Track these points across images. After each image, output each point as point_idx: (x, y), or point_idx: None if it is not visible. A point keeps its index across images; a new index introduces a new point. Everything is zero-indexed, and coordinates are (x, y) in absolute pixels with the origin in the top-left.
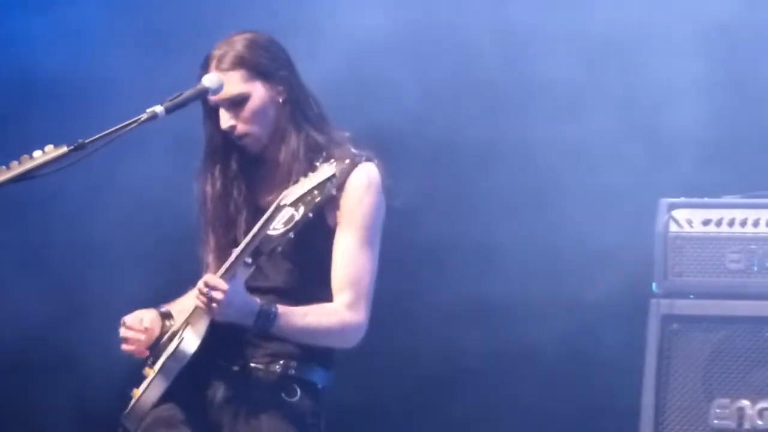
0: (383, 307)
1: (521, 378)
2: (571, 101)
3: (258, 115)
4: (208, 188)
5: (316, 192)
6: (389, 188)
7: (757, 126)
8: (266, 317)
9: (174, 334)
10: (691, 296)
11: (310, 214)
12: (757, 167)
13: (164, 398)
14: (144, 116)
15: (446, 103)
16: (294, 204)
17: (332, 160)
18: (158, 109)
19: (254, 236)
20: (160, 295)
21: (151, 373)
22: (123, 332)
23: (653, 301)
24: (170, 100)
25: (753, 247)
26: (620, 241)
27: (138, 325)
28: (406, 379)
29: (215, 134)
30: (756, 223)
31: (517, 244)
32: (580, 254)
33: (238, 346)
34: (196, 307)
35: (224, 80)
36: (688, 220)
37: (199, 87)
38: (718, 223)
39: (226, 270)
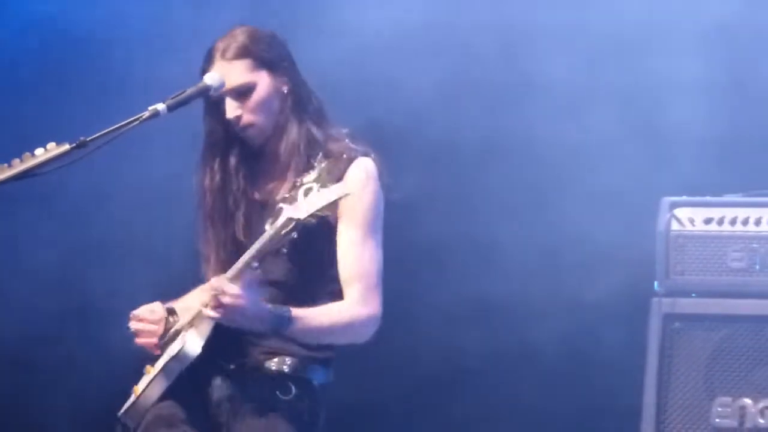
0: (383, 306)
1: (522, 378)
2: (572, 100)
3: (264, 105)
4: (207, 181)
5: (327, 212)
6: (387, 183)
7: (759, 125)
8: (279, 324)
9: (176, 333)
10: (693, 295)
11: (313, 220)
12: (758, 166)
13: (164, 396)
14: (146, 114)
15: (446, 102)
16: (309, 217)
17: (343, 179)
18: (160, 106)
19: (265, 244)
20: (161, 295)
21: (152, 371)
22: (134, 325)
23: (655, 299)
24: (172, 98)
25: (755, 245)
26: (621, 240)
27: (150, 315)
28: (406, 378)
29: (215, 128)
30: (758, 222)
31: (518, 244)
32: (581, 253)
33: (235, 345)
34: (201, 310)
35: (230, 70)
36: (689, 218)
37: (200, 85)
38: (720, 222)
39: (235, 275)
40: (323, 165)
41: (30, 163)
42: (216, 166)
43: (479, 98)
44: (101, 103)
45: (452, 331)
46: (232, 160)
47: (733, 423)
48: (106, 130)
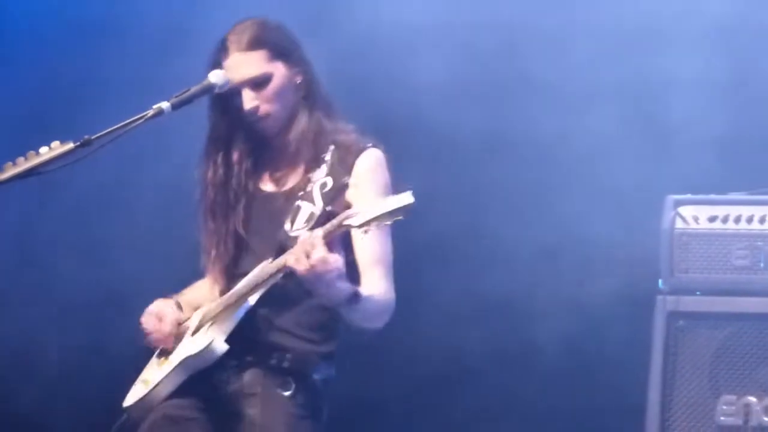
0: None
1: (524, 376)
2: (576, 99)
3: (280, 95)
4: (210, 175)
5: (387, 219)
6: (397, 176)
7: (763, 123)
8: (352, 297)
9: (186, 329)
10: (698, 293)
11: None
12: (762, 164)
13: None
14: (150, 112)
15: (447, 101)
16: (364, 225)
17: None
18: (164, 105)
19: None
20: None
21: (165, 364)
22: (147, 325)
23: (659, 297)
24: (177, 96)
25: (759, 243)
26: (625, 238)
27: (162, 322)
28: (407, 376)
29: (220, 121)
30: (762, 220)
31: (520, 242)
32: (583, 252)
33: (237, 342)
34: (226, 307)
35: (246, 61)
36: (694, 216)
37: (205, 83)
38: (725, 220)
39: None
40: (333, 157)
41: (34, 161)
42: (219, 159)
43: (481, 97)
44: (104, 102)
45: (454, 329)
46: (235, 154)
47: (737, 421)
48: (110, 129)
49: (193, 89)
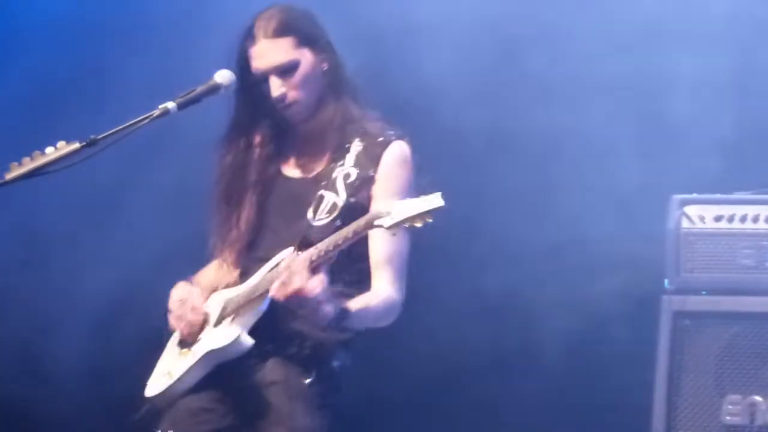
0: None
1: (529, 376)
2: (580, 98)
3: (308, 82)
4: (229, 159)
5: (417, 221)
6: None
7: None
8: (339, 319)
9: (207, 317)
10: (703, 292)
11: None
12: None
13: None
14: (156, 112)
15: (448, 101)
16: (392, 228)
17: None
18: (170, 105)
19: (342, 240)
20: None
21: (189, 355)
22: (177, 312)
23: (665, 297)
24: (183, 96)
25: (765, 243)
26: (630, 237)
27: (190, 309)
28: (410, 375)
29: (245, 108)
30: None
31: (523, 242)
32: (587, 251)
33: (258, 331)
34: (249, 301)
35: (274, 48)
36: (699, 216)
37: (211, 83)
38: (730, 219)
39: (312, 263)
40: (359, 148)
41: (40, 161)
42: (241, 145)
43: (487, 96)
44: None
45: (458, 327)
46: (257, 138)
47: (743, 420)
48: (116, 129)
49: (199, 89)
